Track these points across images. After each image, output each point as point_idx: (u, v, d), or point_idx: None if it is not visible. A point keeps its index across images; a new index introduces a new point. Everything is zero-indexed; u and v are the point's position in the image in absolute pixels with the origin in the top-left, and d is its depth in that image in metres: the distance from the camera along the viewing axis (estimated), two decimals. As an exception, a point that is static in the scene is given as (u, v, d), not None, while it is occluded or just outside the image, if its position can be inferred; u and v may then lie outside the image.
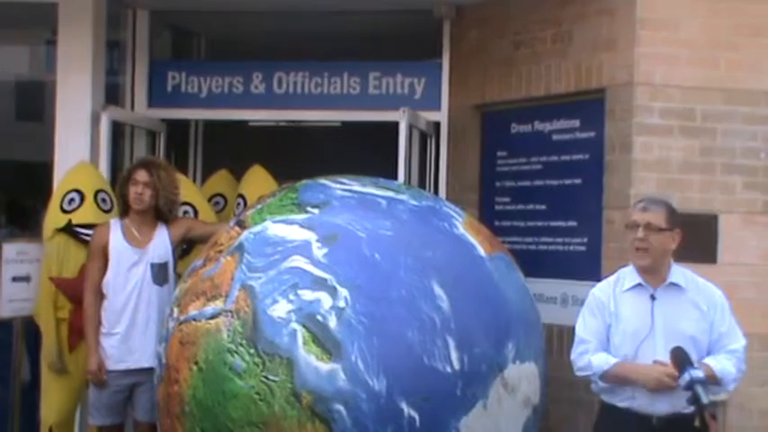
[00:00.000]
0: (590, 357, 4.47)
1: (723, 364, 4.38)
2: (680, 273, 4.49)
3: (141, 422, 5.59)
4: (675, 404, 4.33)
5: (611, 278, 4.61)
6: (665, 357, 4.30)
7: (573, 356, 4.57)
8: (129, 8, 7.36)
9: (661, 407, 4.36)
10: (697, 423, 4.13)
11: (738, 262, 5.84)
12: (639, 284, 4.46)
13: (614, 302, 4.49)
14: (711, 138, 5.84)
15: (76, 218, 5.98)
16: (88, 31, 6.76)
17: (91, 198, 6.03)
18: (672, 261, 4.48)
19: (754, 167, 5.89)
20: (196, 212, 6.32)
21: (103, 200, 6.02)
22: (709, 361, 4.36)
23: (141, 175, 5.58)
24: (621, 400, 4.44)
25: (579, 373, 4.55)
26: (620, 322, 4.46)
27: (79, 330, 5.76)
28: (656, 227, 4.39)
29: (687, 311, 4.41)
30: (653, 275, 4.44)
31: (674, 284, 4.43)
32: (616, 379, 4.41)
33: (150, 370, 5.26)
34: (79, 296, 5.72)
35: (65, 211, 6.01)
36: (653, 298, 4.43)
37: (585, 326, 4.53)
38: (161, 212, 5.67)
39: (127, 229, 5.59)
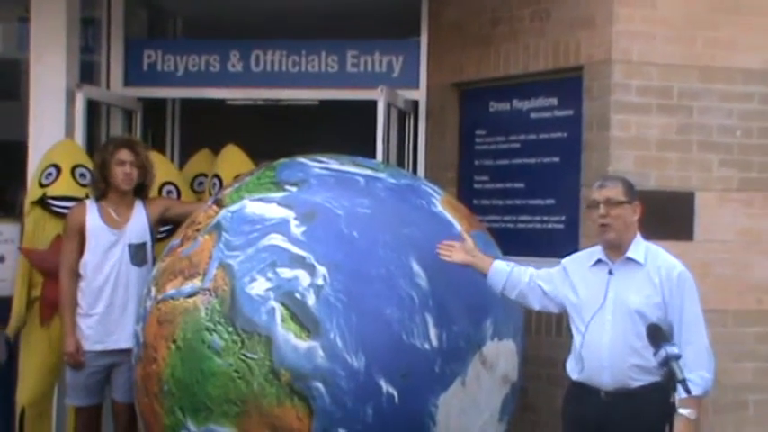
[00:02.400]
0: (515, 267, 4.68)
1: (701, 378, 4.32)
2: (642, 248, 4.48)
3: (119, 402, 5.56)
4: (618, 378, 4.35)
5: (587, 251, 4.63)
6: (613, 331, 4.35)
7: None
8: (104, -15, 7.32)
9: (605, 380, 4.37)
10: (673, 399, 4.17)
11: (714, 239, 5.87)
12: (600, 260, 4.49)
13: (579, 273, 4.53)
14: (688, 115, 5.86)
15: (51, 191, 5.97)
16: (62, 9, 6.70)
17: (67, 172, 6.02)
18: (637, 236, 4.48)
19: (729, 145, 5.91)
20: (179, 192, 6.31)
21: (82, 174, 5.98)
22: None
23: (126, 155, 5.55)
24: (575, 374, 4.49)
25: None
26: (576, 293, 4.50)
27: (51, 303, 5.77)
28: (616, 201, 4.42)
29: (639, 286, 4.41)
30: (615, 251, 4.46)
31: (630, 259, 4.45)
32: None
33: (128, 351, 5.24)
34: (48, 268, 5.74)
35: (42, 186, 6.01)
36: (610, 273, 4.45)
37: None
38: (143, 190, 5.65)
39: (104, 209, 5.55)
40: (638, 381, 4.36)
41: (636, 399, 4.37)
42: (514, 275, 4.67)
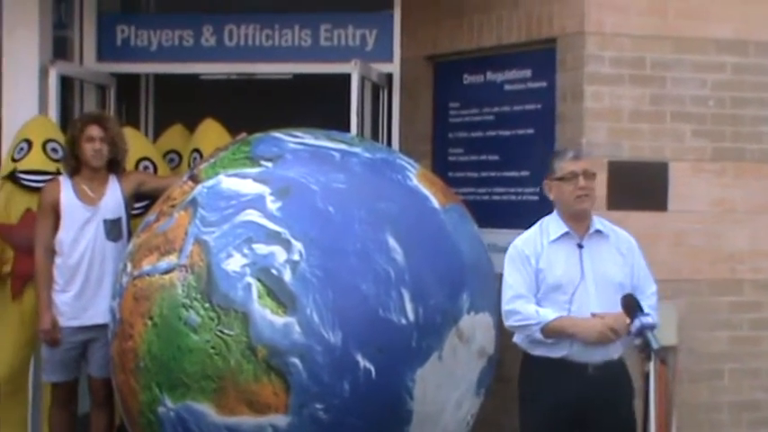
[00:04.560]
0: (536, 308, 4.44)
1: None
2: (599, 221, 4.56)
3: (95, 378, 5.57)
4: (608, 351, 4.41)
5: (534, 229, 4.61)
6: (598, 305, 4.37)
7: (508, 307, 4.51)
8: (76, -40, 7.25)
9: (597, 354, 4.39)
10: (647, 369, 4.22)
11: (688, 209, 5.90)
12: (567, 233, 4.49)
13: (543, 253, 4.48)
14: (661, 86, 5.87)
15: (22, 165, 5.94)
16: (35, -16, 6.66)
17: (38, 146, 5.98)
18: None
19: (702, 115, 5.93)
20: (155, 167, 6.28)
21: (53, 149, 5.95)
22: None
23: (96, 131, 5.53)
24: (557, 351, 4.42)
25: (517, 324, 4.49)
26: (550, 273, 4.45)
27: (22, 277, 5.77)
28: (591, 172, 4.50)
29: (612, 258, 4.49)
30: (580, 223, 4.49)
31: (598, 231, 4.51)
32: (555, 333, 4.39)
33: (104, 326, 5.23)
34: (18, 243, 5.74)
35: (14, 160, 5.99)
36: (580, 246, 4.47)
37: (516, 279, 4.51)
38: (116, 166, 5.64)
39: (78, 186, 5.54)
40: (619, 352, 4.47)
41: (616, 369, 4.47)
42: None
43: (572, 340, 4.41)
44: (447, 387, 4.75)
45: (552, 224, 4.55)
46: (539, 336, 4.43)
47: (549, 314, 4.41)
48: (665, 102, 5.89)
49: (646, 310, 4.27)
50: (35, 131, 6.12)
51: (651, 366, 4.24)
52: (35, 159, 5.97)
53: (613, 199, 5.72)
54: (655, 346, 4.14)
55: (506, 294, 4.52)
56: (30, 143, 6.01)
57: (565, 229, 4.50)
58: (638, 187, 5.77)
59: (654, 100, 5.87)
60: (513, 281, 4.51)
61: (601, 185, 5.60)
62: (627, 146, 5.80)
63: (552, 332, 4.41)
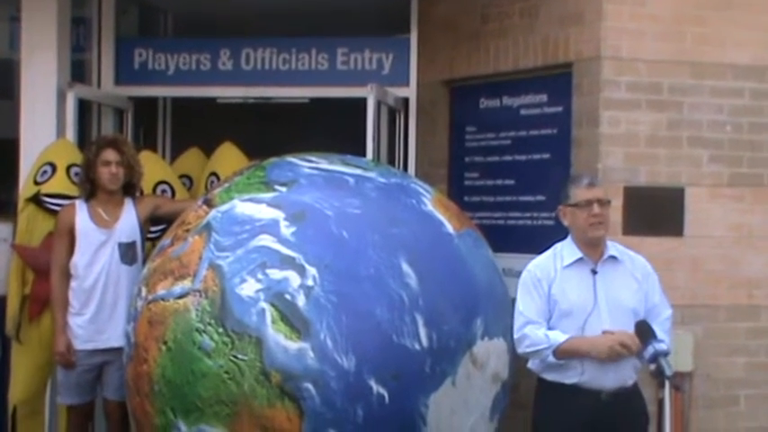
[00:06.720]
0: (545, 332, 4.43)
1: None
2: (613, 246, 4.58)
3: (111, 400, 5.59)
4: (622, 377, 4.42)
5: (548, 253, 4.62)
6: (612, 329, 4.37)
7: (519, 334, 4.50)
8: (94, -16, 7.30)
9: (609, 380, 4.39)
10: (661, 395, 4.20)
11: (704, 234, 5.87)
12: (581, 259, 4.50)
13: (556, 278, 4.49)
14: (678, 111, 5.85)
15: (46, 188, 5.97)
16: (53, 8, 6.68)
17: (62, 170, 6.01)
18: None
19: (719, 141, 5.91)
20: (173, 190, 6.30)
21: (77, 173, 5.96)
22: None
23: (111, 155, 5.55)
24: (569, 377, 4.43)
25: (529, 349, 4.48)
26: (563, 298, 4.46)
27: (39, 300, 5.80)
28: (606, 200, 4.52)
29: (626, 284, 4.49)
30: (594, 249, 4.50)
31: (612, 257, 4.52)
32: (568, 353, 4.39)
33: (119, 349, 5.26)
34: (40, 266, 5.77)
35: (37, 183, 6.01)
36: (594, 272, 4.47)
37: (528, 304, 4.50)
38: (132, 189, 5.65)
39: (93, 209, 5.56)
40: (633, 378, 4.47)
41: (630, 396, 4.46)
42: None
43: (583, 366, 4.40)
44: (461, 413, 4.74)
45: (566, 249, 4.55)
46: (552, 359, 4.43)
47: (559, 336, 4.41)
48: (682, 127, 5.87)
49: (658, 335, 4.23)
50: (59, 155, 6.15)
51: (665, 393, 4.20)
52: (59, 183, 6.00)
53: (629, 224, 5.71)
54: (668, 372, 4.10)
55: (517, 321, 4.53)
56: (54, 167, 6.05)
57: (579, 254, 4.51)
58: (655, 212, 5.75)
59: (670, 125, 5.85)
60: (524, 307, 4.52)
61: (617, 211, 5.60)
62: (643, 171, 5.79)
63: (565, 353, 4.40)
